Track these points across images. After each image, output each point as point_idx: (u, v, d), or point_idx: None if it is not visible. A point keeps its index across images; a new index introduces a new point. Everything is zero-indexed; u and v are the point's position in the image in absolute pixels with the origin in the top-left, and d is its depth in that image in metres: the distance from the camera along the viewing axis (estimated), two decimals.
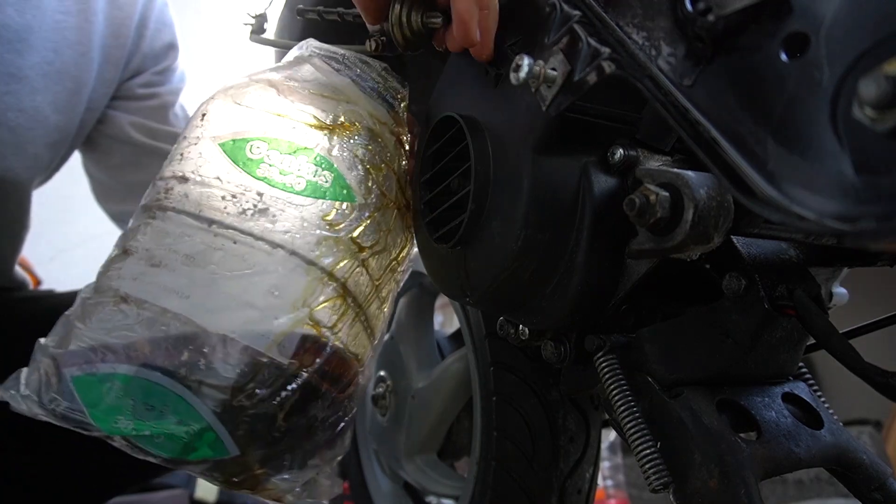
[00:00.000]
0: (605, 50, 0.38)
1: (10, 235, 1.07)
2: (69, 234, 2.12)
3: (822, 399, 0.49)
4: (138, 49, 1.12)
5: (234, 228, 0.49)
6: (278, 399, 0.47)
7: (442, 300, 1.16)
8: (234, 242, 0.48)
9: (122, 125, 1.14)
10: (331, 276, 0.50)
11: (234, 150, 0.51)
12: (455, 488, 0.84)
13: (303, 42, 0.59)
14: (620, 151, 0.44)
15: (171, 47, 1.19)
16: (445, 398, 0.87)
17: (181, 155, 0.53)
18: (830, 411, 0.48)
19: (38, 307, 1.11)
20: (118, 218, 1.25)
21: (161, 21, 1.16)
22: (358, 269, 0.52)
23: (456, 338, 0.95)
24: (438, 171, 0.55)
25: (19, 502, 0.99)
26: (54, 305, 1.11)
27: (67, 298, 1.13)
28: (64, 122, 1.02)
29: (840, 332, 0.41)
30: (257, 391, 0.47)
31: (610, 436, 1.68)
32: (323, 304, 0.50)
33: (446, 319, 1.81)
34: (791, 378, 0.49)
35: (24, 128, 0.95)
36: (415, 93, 0.62)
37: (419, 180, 0.57)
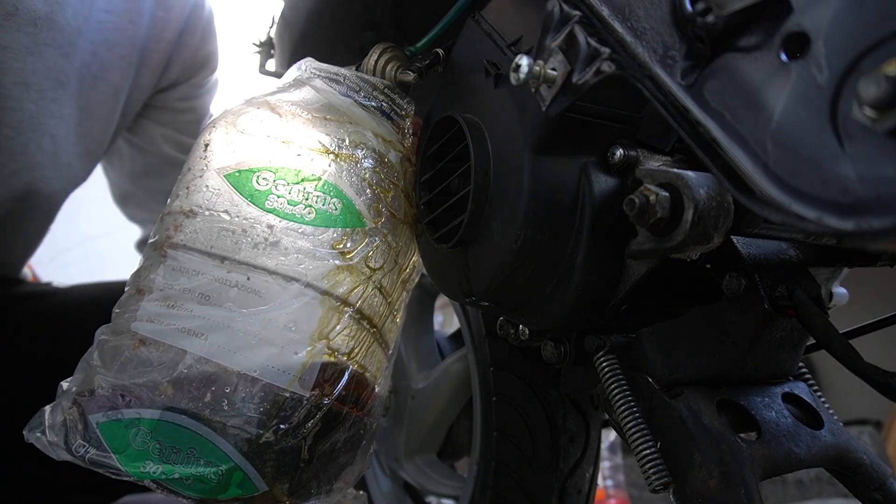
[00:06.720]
0: (605, 50, 0.38)
1: (29, 243, 1.06)
2: (69, 234, 2.12)
3: (822, 399, 0.49)
4: (179, 56, 1.07)
5: (247, 264, 0.48)
6: (302, 431, 0.47)
7: (442, 300, 1.16)
8: (248, 278, 0.48)
9: (154, 136, 1.11)
10: (346, 303, 0.50)
11: (241, 182, 0.50)
12: (455, 488, 0.84)
13: (301, 62, 0.57)
14: (620, 151, 0.44)
15: (213, 58, 1.14)
16: (445, 398, 0.87)
17: (187, 188, 0.51)
18: (830, 411, 0.48)
19: (43, 304, 1.10)
20: (137, 221, 1.23)
21: (207, 31, 1.11)
22: (372, 292, 0.52)
23: (456, 338, 0.95)
24: (438, 171, 0.55)
25: (30, 500, 0.99)
26: (58, 303, 1.10)
27: (70, 294, 1.12)
28: (98, 128, 0.98)
29: (840, 332, 0.41)
30: (281, 426, 0.47)
31: (610, 436, 1.68)
32: (340, 333, 0.50)
33: (446, 319, 1.81)
34: (791, 378, 0.49)
35: (62, 136, 0.91)
36: (416, 93, 0.62)
37: (419, 180, 0.57)
